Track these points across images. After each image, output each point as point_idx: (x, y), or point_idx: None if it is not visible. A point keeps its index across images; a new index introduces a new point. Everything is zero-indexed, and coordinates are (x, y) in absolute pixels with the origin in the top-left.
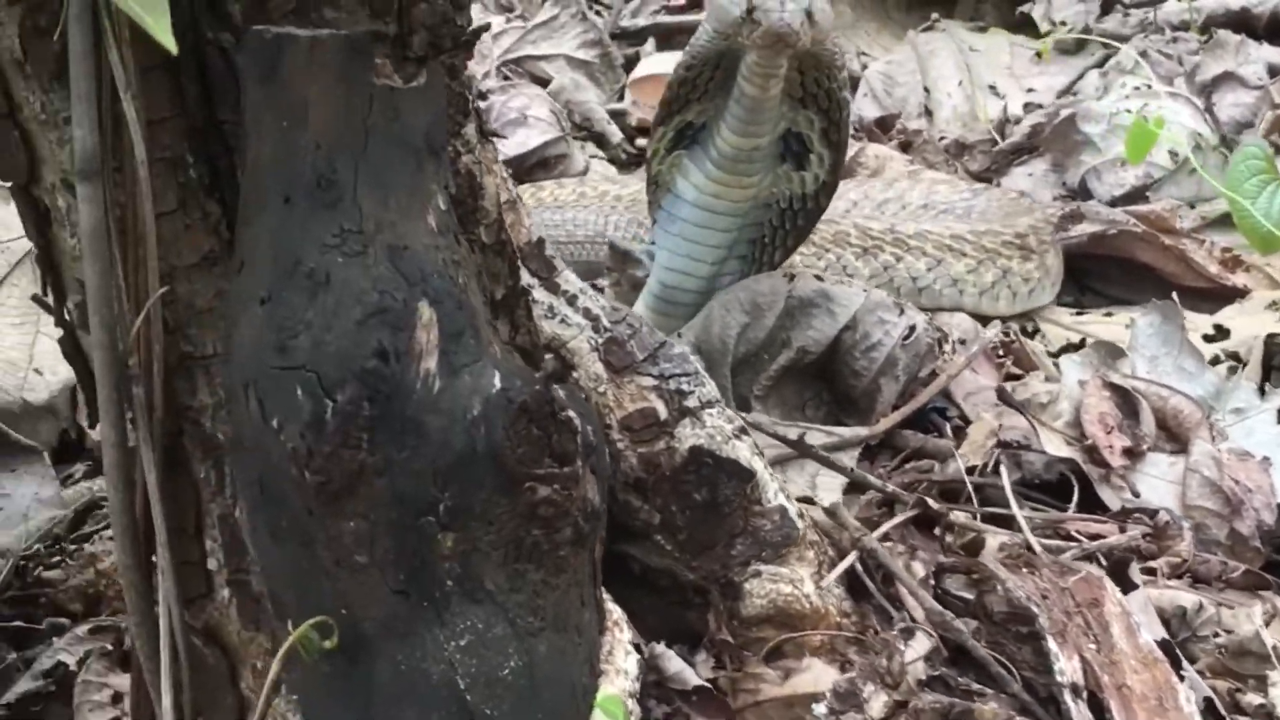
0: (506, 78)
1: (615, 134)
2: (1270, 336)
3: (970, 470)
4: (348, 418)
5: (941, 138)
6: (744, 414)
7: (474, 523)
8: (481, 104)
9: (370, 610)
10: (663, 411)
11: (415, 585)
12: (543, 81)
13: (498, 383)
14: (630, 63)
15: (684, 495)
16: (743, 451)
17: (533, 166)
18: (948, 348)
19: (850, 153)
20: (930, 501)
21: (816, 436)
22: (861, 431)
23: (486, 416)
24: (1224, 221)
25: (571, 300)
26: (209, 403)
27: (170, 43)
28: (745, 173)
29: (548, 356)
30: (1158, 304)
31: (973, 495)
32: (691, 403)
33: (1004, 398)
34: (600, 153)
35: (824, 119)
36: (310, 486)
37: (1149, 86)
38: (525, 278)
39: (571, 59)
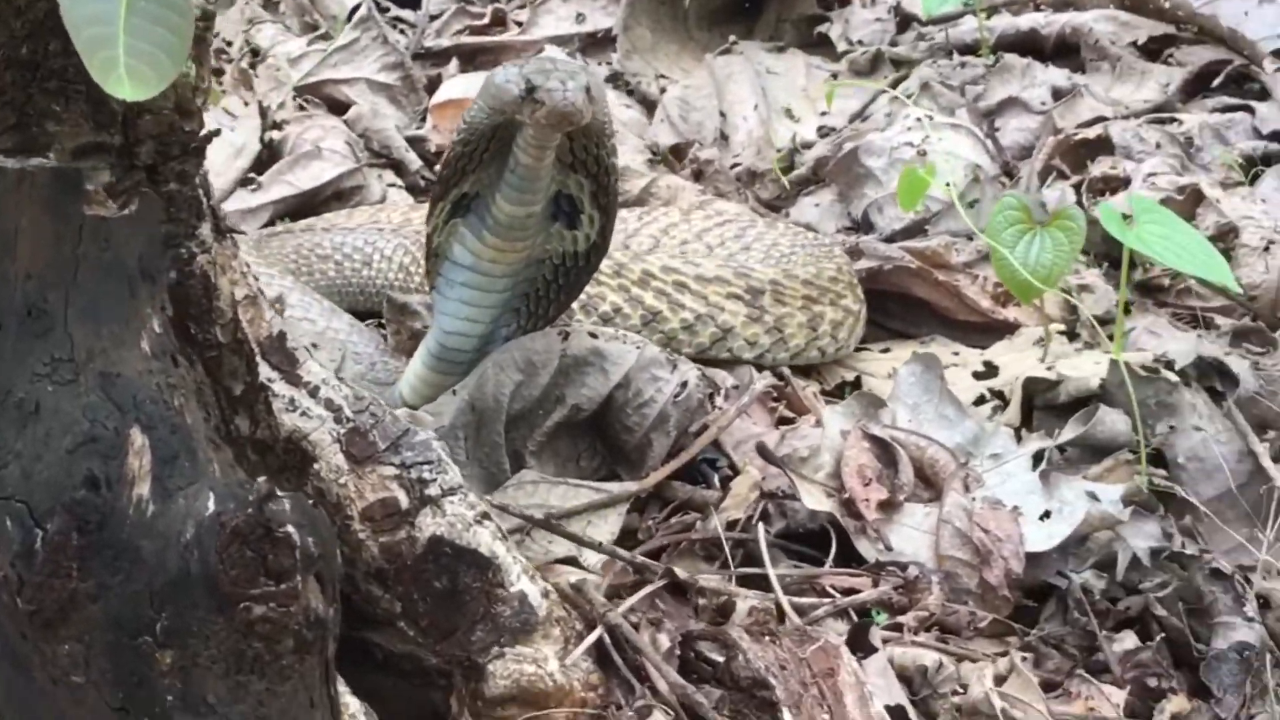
0: (303, 107)
1: (413, 161)
2: (1030, 380)
3: (733, 525)
4: (57, 548)
5: (734, 165)
6: (515, 474)
7: (192, 640)
8: (276, 134)
9: None
10: (404, 501)
11: (134, 703)
12: (343, 107)
13: (211, 505)
14: (433, 84)
15: (424, 584)
16: (484, 538)
17: (327, 199)
18: (719, 399)
19: (643, 183)
20: (677, 571)
21: (586, 494)
22: (631, 486)
23: (199, 540)
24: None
25: (313, 392)
26: None
27: None
28: (520, 237)
29: (260, 480)
30: (919, 354)
31: (728, 555)
32: (433, 491)
33: (764, 454)
34: (398, 180)
35: (593, 183)
36: (22, 614)
37: (931, 118)
38: (266, 371)
39: (373, 82)
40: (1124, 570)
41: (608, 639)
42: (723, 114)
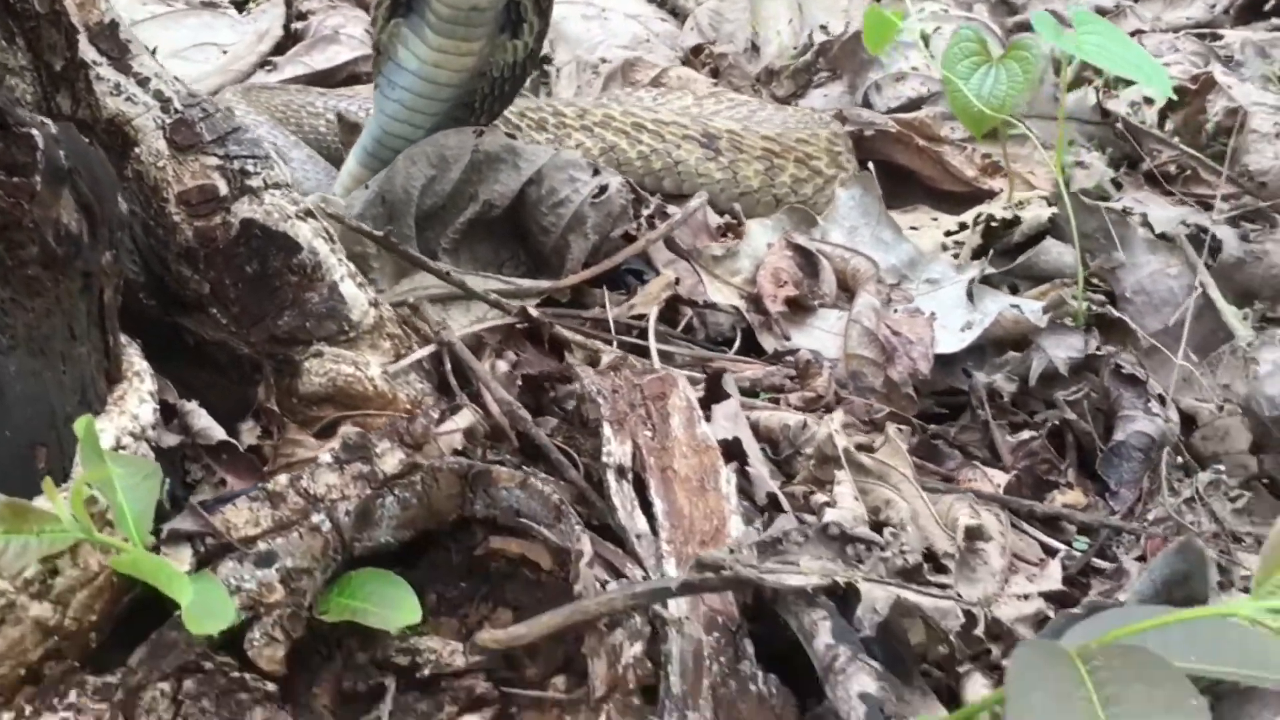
0: (334, 5)
1: None
2: (986, 217)
3: (638, 318)
4: None
5: (757, 69)
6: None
7: None
8: (299, 24)
9: None
10: (223, 188)
11: None
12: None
13: None
14: None
15: (235, 267)
16: (303, 232)
17: (343, 80)
18: (646, 211)
19: (653, 73)
20: (531, 310)
21: (496, 285)
22: (542, 284)
23: None
24: (991, 135)
25: (143, 82)
26: None
27: None
28: (465, 37)
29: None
30: (858, 176)
31: (612, 326)
32: (255, 183)
33: (671, 246)
34: None
35: None
36: None
37: (946, 11)
38: (93, 55)
39: None
40: (1037, 376)
41: (448, 366)
42: (755, 29)
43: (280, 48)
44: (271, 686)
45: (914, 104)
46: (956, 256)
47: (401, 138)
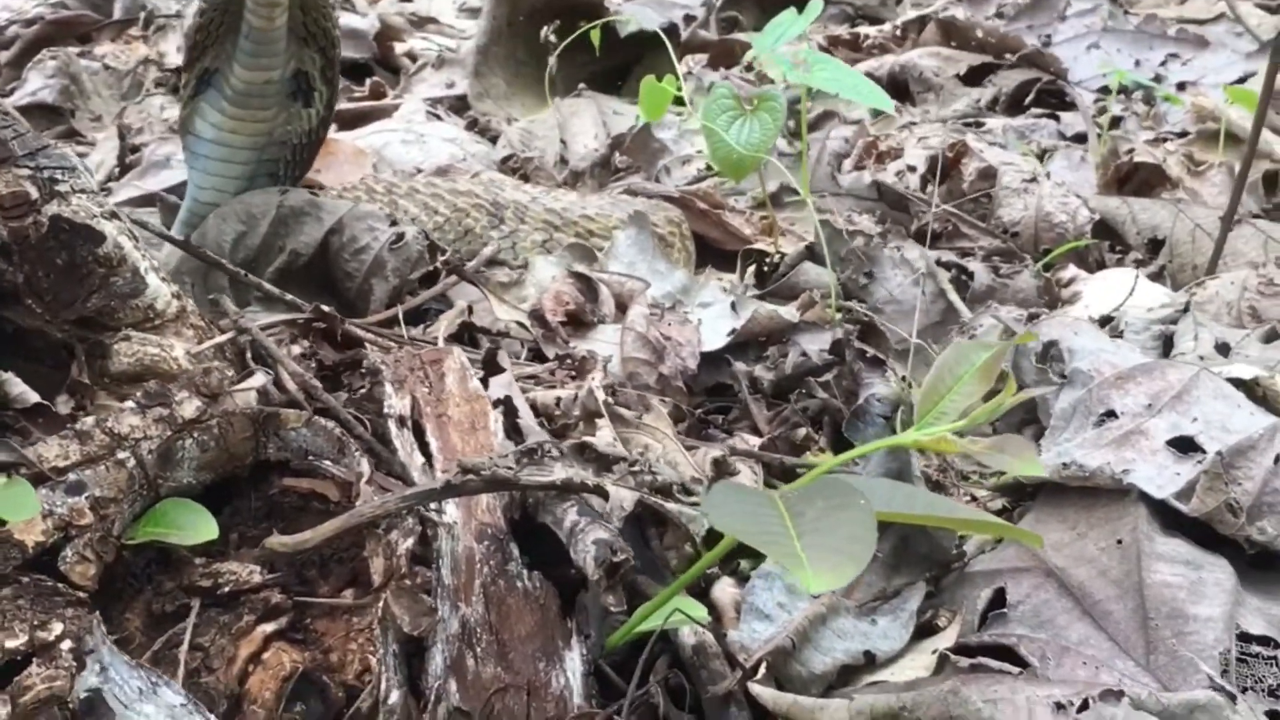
0: (164, 137)
1: None
2: (748, 251)
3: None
4: None
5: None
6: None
7: None
8: (132, 156)
9: None
10: (34, 194)
11: None
12: None
13: None
14: None
15: (47, 260)
16: (109, 230)
17: None
18: (442, 257)
19: (466, 177)
20: (324, 308)
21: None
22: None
23: None
24: (775, 201)
25: None
26: None
27: None
28: (260, 107)
29: None
30: (633, 215)
31: (403, 333)
32: (62, 188)
33: (457, 271)
34: None
35: (322, 57)
36: None
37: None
38: None
39: None
40: (792, 366)
41: (249, 355)
42: (563, 142)
43: (117, 176)
44: (83, 595)
45: (697, 181)
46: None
47: (210, 203)
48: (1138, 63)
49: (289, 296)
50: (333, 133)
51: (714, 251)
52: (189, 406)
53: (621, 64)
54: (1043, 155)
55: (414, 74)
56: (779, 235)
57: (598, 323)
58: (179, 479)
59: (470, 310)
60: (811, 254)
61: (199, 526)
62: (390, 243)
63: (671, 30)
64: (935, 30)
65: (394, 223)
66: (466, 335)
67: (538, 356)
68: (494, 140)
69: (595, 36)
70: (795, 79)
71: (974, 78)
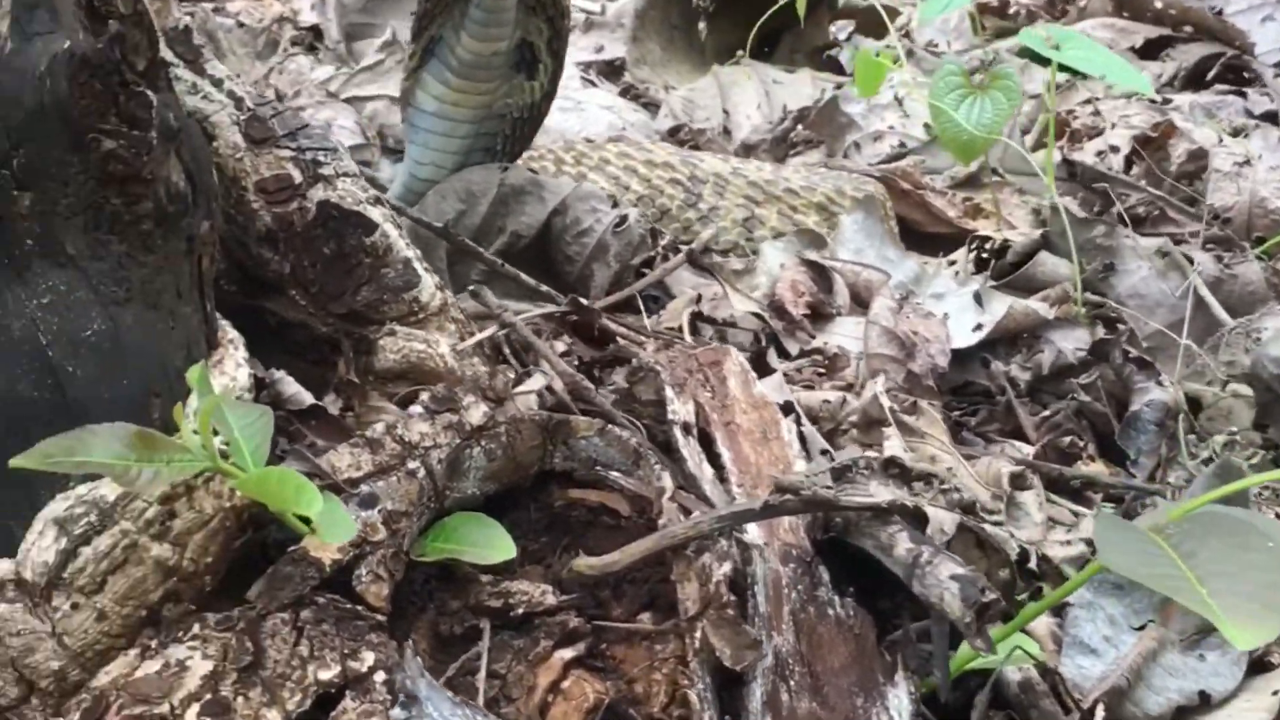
0: (322, 101)
1: None
2: (977, 237)
3: (670, 329)
4: None
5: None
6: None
7: (49, 183)
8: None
9: None
10: (297, 177)
11: None
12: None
13: (66, 44)
14: None
15: (314, 248)
16: (373, 213)
17: None
18: (664, 242)
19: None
20: (581, 300)
21: (526, 309)
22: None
23: (53, 71)
24: (971, 182)
25: (217, 83)
26: None
27: None
28: (484, 79)
29: (110, 22)
30: (860, 200)
31: (646, 325)
32: (326, 171)
33: (692, 259)
34: None
35: (550, 28)
36: None
37: (914, 80)
38: (170, 57)
39: (394, 99)
40: (1050, 366)
41: (506, 349)
42: (726, 112)
43: None
44: (381, 618)
45: (893, 158)
46: (957, 274)
47: (428, 179)
48: None
49: (544, 288)
50: None
51: (915, 234)
52: (476, 412)
53: (769, 29)
54: (1235, 134)
55: None
56: (991, 218)
57: (835, 314)
58: (464, 489)
59: (699, 299)
60: (1046, 242)
61: (495, 544)
62: (613, 225)
63: None
64: (1107, 2)
65: (615, 204)
66: (693, 325)
67: (775, 349)
68: (650, 108)
69: None
70: (1042, 50)
71: (1149, 51)
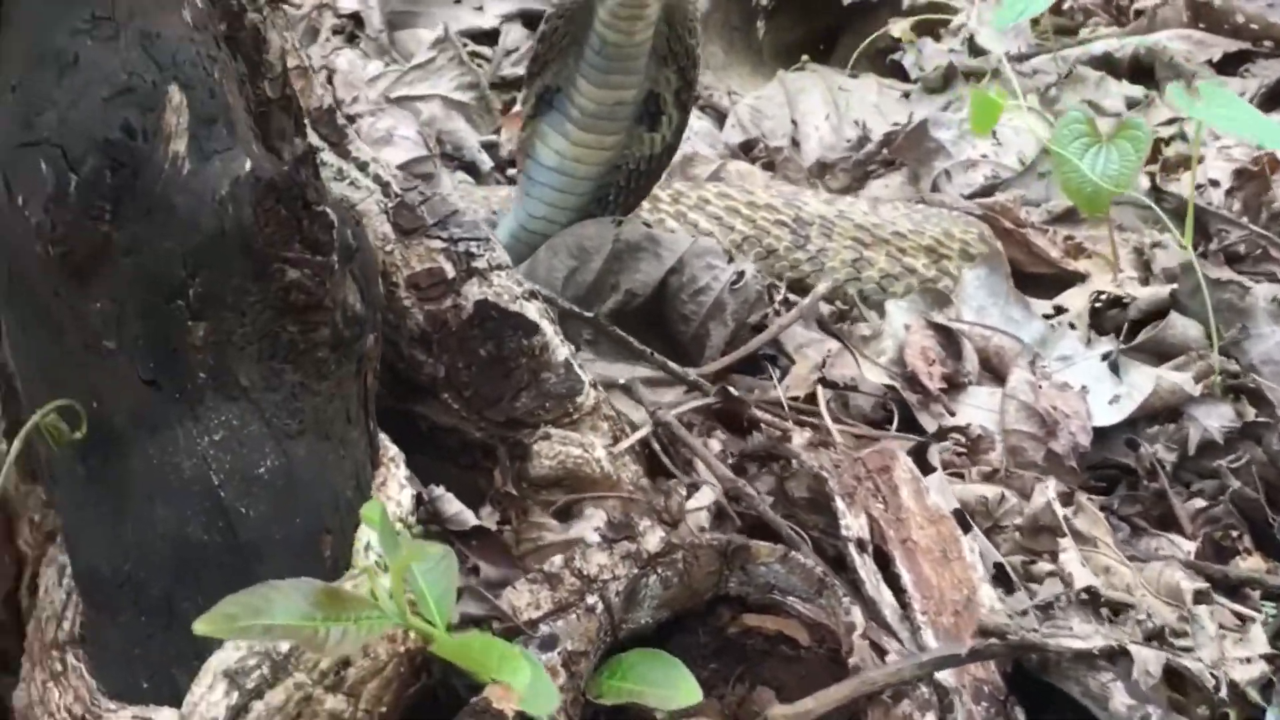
0: (382, 108)
1: (486, 162)
2: (1098, 294)
3: (795, 399)
4: (90, 187)
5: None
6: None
7: (226, 313)
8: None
9: (121, 401)
10: (450, 271)
11: (166, 376)
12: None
13: (248, 166)
14: (508, 108)
15: (470, 350)
16: (530, 310)
17: None
18: (779, 297)
19: (712, 168)
20: (731, 389)
21: (645, 370)
22: (691, 371)
23: (235, 196)
24: (1068, 217)
25: (363, 166)
26: None
27: None
28: (607, 130)
29: (296, 139)
30: (984, 256)
31: (784, 403)
32: (480, 264)
33: (823, 326)
34: (470, 179)
35: (680, 78)
36: (54, 261)
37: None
38: (315, 140)
39: (448, 99)
40: (1196, 446)
41: (656, 445)
42: (794, 122)
43: None
44: None
45: (987, 190)
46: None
47: (539, 233)
48: None
49: (675, 367)
50: None
51: (1016, 274)
52: (653, 538)
53: (827, 26)
54: None
55: None
56: (1094, 259)
57: (967, 384)
58: (637, 620)
59: (824, 364)
60: (1174, 301)
61: (678, 685)
62: (730, 283)
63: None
64: (1182, 9)
65: (730, 258)
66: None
67: (904, 418)
68: (711, 113)
69: None
70: (1187, 109)
71: (1227, 65)
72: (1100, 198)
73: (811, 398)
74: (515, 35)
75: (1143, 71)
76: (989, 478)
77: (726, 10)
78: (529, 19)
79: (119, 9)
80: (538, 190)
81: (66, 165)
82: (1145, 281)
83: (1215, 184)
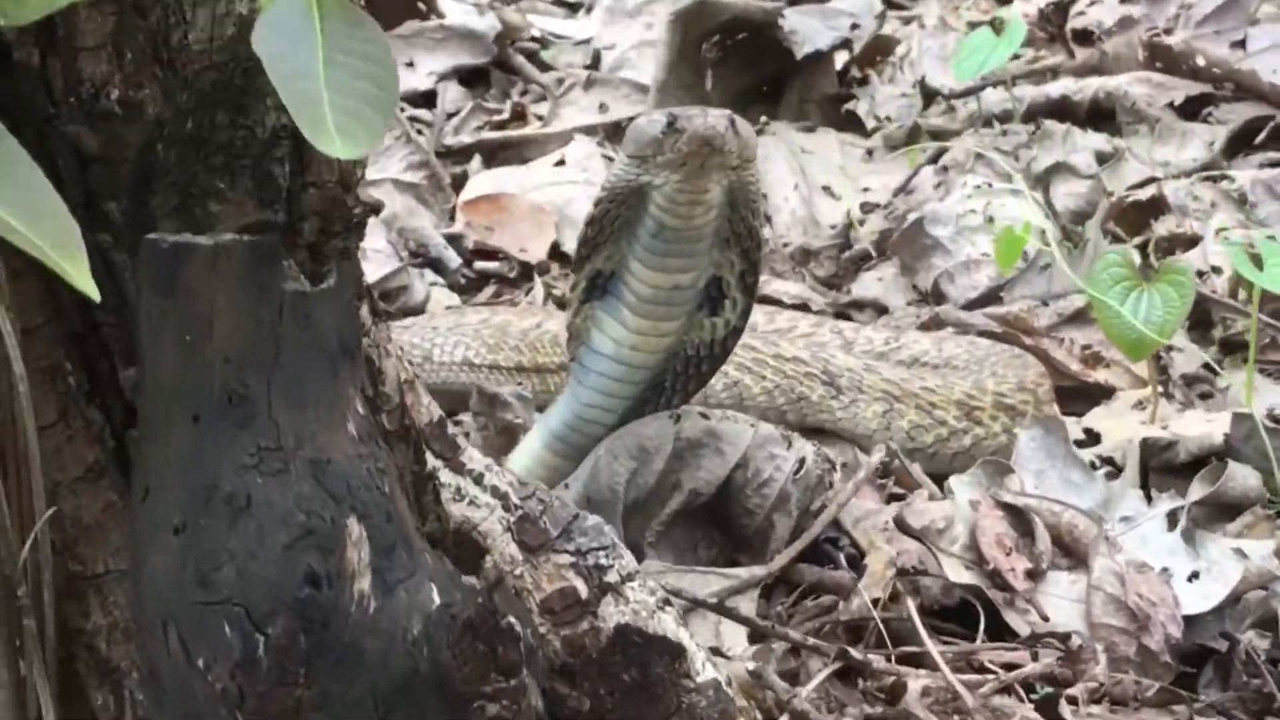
0: None
1: (453, 259)
2: (1146, 441)
3: (873, 603)
4: (283, 653)
5: (785, 244)
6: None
7: None
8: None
9: None
10: (584, 590)
11: None
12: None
13: (436, 598)
14: (458, 181)
15: (613, 677)
16: (669, 625)
17: (383, 296)
18: (836, 476)
19: None
20: (852, 652)
21: (715, 581)
22: (759, 571)
23: (429, 636)
24: (1079, 317)
25: (478, 479)
26: (103, 624)
27: (93, 291)
28: (665, 316)
29: (488, 562)
30: (1039, 418)
31: (884, 634)
32: (612, 578)
33: (903, 528)
34: (439, 279)
35: (744, 261)
36: None
37: (989, 185)
38: (430, 460)
39: (399, 182)
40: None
41: None
42: (764, 195)
43: None
44: None
45: (992, 293)
46: (1110, 477)
47: (595, 422)
48: None
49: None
50: (476, 168)
51: None
52: None
53: (773, 73)
54: None
55: (560, 96)
56: (1112, 367)
57: (1045, 570)
58: None
59: (896, 556)
60: (1228, 447)
61: None
62: (793, 473)
63: (844, 45)
64: (1138, 48)
65: (790, 443)
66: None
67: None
68: None
69: None
70: (1251, 276)
71: (1189, 109)
72: (1144, 345)
73: (895, 596)
74: (454, 95)
75: (1102, 115)
76: (1095, 696)
77: (680, 72)
78: (464, 77)
79: (285, 437)
80: (592, 379)
81: (253, 627)
82: (1168, 395)
83: (1218, 271)
